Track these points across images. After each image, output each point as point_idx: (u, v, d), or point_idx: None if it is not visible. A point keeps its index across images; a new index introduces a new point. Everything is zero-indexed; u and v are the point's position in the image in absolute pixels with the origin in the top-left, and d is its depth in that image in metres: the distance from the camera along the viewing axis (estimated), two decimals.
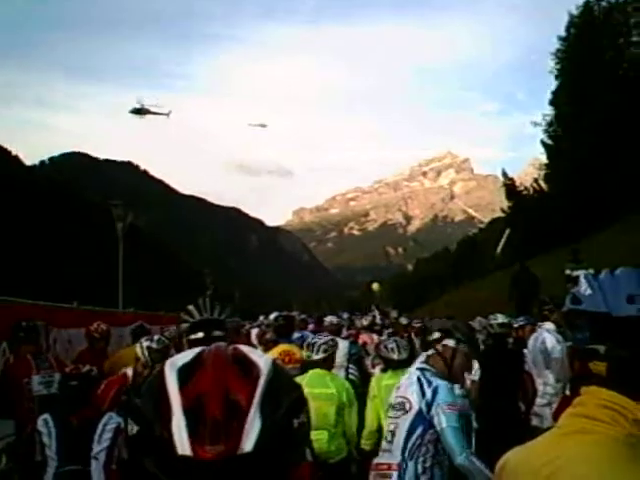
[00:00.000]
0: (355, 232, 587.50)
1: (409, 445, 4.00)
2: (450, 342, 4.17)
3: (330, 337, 6.96)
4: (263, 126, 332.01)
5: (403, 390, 4.16)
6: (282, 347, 7.98)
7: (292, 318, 10.51)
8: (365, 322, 16.81)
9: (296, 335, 9.97)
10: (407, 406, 4.07)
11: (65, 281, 66.46)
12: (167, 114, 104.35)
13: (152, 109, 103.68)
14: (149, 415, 1.10)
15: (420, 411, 3.97)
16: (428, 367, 4.14)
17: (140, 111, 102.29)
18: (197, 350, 1.18)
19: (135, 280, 46.53)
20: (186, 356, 1.17)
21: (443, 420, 3.83)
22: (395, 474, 4.03)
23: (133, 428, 1.09)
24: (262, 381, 1.08)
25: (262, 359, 1.15)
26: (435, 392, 3.94)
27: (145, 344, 6.17)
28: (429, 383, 4.00)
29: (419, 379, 4.05)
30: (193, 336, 3.25)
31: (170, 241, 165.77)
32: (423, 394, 3.98)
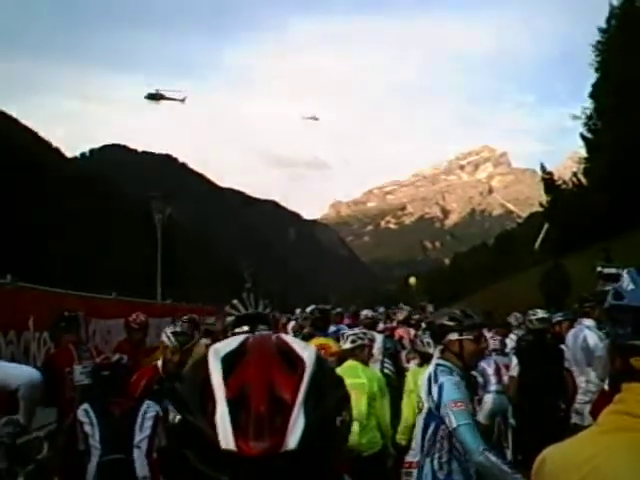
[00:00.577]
0: (392, 226, 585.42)
1: (425, 442, 4.03)
2: (454, 335, 4.11)
3: (362, 330, 7.01)
4: (315, 119, 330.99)
5: (420, 385, 4.25)
6: (318, 340, 8.01)
7: (328, 312, 10.53)
8: (400, 316, 16.78)
9: (332, 329, 10.01)
10: (420, 404, 4.16)
11: (104, 272, 67.15)
12: (182, 100, 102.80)
13: (167, 94, 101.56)
14: (192, 405, 1.10)
15: (430, 409, 4.00)
16: (443, 362, 4.11)
17: (155, 96, 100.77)
18: (241, 338, 1.19)
19: (173, 272, 46.98)
20: (230, 344, 1.17)
21: (453, 420, 3.79)
22: (415, 472, 4.09)
23: (175, 417, 1.09)
24: (307, 376, 1.07)
25: (306, 351, 1.14)
26: (440, 390, 3.92)
27: (169, 330, 6.26)
28: (436, 380, 3.99)
29: (429, 376, 4.07)
30: (238, 330, 3.28)
31: (208, 234, 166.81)
32: (430, 392, 3.99)
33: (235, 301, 3.42)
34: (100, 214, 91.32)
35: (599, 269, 13.90)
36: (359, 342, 6.58)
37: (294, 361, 1.08)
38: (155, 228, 26.30)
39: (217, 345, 1.16)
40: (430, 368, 4.18)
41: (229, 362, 1.09)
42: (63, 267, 62.39)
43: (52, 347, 8.15)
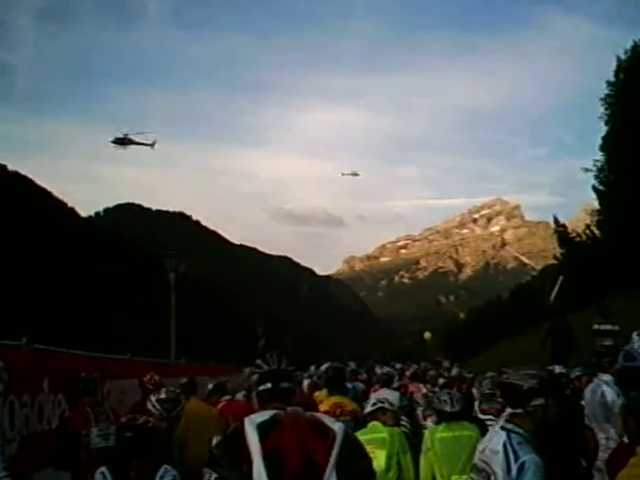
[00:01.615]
0: (406, 280, 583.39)
1: None
2: (539, 400, 3.82)
3: (381, 397, 7.04)
4: (356, 175, 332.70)
5: (488, 455, 3.85)
6: (334, 399, 7.93)
7: (343, 369, 10.46)
8: (408, 372, 16.69)
9: (348, 386, 9.94)
10: (492, 478, 3.75)
11: (119, 331, 67.15)
12: (152, 144, 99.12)
13: (136, 139, 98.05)
14: (228, 463, 1.15)
15: None
16: (516, 429, 3.80)
17: (122, 141, 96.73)
18: (273, 411, 1.25)
19: (187, 330, 46.86)
20: (263, 415, 1.24)
21: None
22: None
23: (211, 476, 1.14)
24: (337, 444, 1.13)
25: (336, 425, 1.22)
26: (521, 470, 3.60)
27: (154, 398, 6.22)
28: (516, 457, 3.64)
29: (505, 447, 3.72)
30: (262, 387, 3.28)
31: (221, 291, 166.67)
32: (509, 470, 3.64)
33: (259, 361, 3.45)
34: (114, 272, 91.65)
35: (595, 326, 13.77)
36: (379, 405, 6.69)
37: (325, 431, 1.14)
38: (169, 286, 26.33)
39: (251, 416, 1.22)
40: (499, 434, 3.86)
41: (264, 428, 1.15)
42: (77, 326, 62.46)
43: (67, 409, 8.13)
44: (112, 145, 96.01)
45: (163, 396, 6.29)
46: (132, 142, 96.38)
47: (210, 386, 9.35)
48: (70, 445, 6.65)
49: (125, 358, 12.29)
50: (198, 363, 19.79)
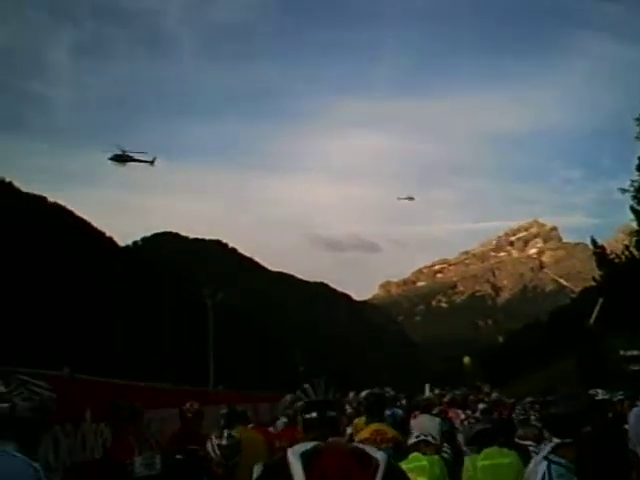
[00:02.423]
0: (443, 304, 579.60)
1: None
2: (585, 427, 3.77)
3: (425, 430, 7.02)
4: (411, 199, 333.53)
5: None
6: (373, 426, 7.87)
7: (383, 396, 10.40)
8: (446, 399, 16.55)
9: (387, 413, 9.87)
10: None
11: (157, 360, 67.57)
12: (151, 162, 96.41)
13: (135, 156, 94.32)
14: None
15: None
16: (557, 459, 3.71)
17: (121, 158, 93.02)
18: (314, 443, 1.27)
19: (224, 357, 46.97)
20: (305, 445, 1.26)
21: None
22: None
23: None
24: (380, 472, 1.15)
25: (379, 454, 1.23)
26: None
27: (215, 442, 6.19)
28: None
29: (544, 479, 3.65)
30: (307, 415, 3.30)
31: (259, 318, 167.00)
32: None
33: (307, 385, 3.46)
34: (152, 301, 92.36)
35: (622, 352, 13.61)
36: (422, 437, 6.66)
37: (367, 460, 1.16)
38: (207, 313, 26.51)
39: (293, 447, 1.25)
40: (541, 464, 3.77)
41: (308, 459, 1.17)
42: (115, 354, 62.96)
43: (109, 438, 8.20)
44: (110, 162, 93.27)
45: (224, 442, 6.23)
46: (131, 159, 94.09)
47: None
48: (114, 474, 6.68)
49: (164, 386, 12.36)
50: (237, 390, 19.79)
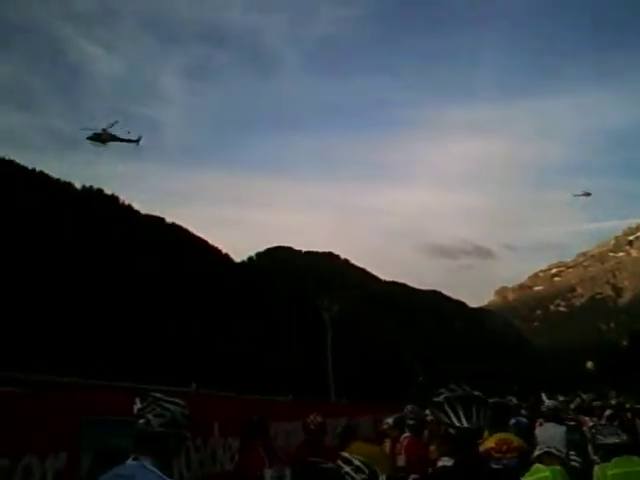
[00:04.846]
0: (562, 309, 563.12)
1: None
2: None
3: (551, 443, 7.02)
4: (588, 194, 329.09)
5: None
6: (498, 436, 7.74)
7: (507, 404, 10.19)
8: (572, 405, 16.06)
9: (512, 421, 9.65)
10: None
11: (276, 373, 68.47)
12: (137, 141, 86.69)
13: (120, 135, 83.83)
14: None
15: None
16: None
17: (101, 137, 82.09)
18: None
19: (344, 369, 47.15)
20: (448, 461, 1.24)
21: None
22: None
23: None
24: None
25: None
26: None
27: (348, 468, 6.00)
28: None
29: None
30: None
31: (374, 328, 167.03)
32: None
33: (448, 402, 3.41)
34: (270, 315, 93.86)
35: None
36: (545, 449, 6.86)
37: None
38: (324, 326, 26.64)
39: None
40: None
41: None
42: (235, 369, 64.24)
43: (237, 452, 8.34)
44: (89, 143, 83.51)
45: (359, 465, 6.07)
46: (114, 138, 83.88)
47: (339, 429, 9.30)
48: None
49: (287, 400, 12.50)
50: (358, 402, 19.80)
